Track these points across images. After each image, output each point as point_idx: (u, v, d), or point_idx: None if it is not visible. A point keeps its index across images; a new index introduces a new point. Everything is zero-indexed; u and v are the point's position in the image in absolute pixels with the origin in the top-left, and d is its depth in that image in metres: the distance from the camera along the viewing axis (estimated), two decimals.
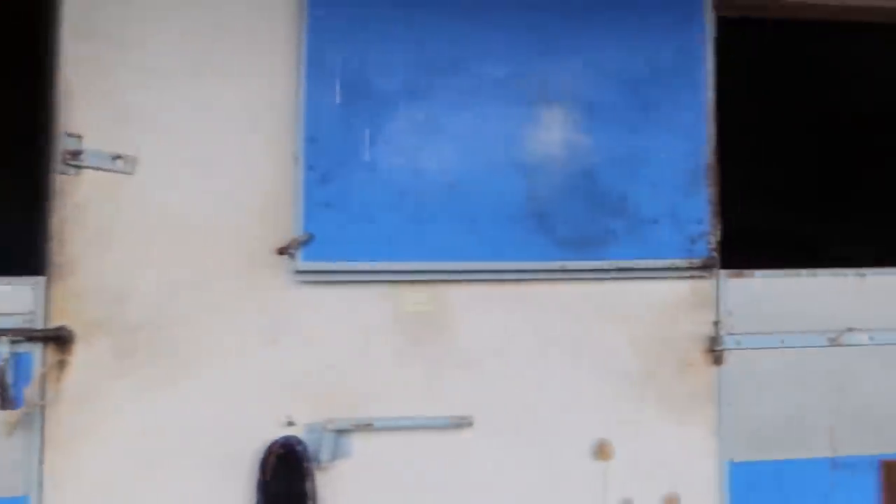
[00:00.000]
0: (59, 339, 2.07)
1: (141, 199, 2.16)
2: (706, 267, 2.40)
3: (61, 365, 2.09)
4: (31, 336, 2.05)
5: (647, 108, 2.39)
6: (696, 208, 2.39)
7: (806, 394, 2.50)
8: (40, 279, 2.09)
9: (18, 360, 2.04)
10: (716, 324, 2.45)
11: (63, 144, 2.10)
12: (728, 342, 2.45)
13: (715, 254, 2.41)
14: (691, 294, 2.43)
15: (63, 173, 2.10)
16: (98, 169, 2.12)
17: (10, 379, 2.01)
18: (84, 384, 2.11)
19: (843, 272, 2.55)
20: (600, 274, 2.37)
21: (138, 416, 2.13)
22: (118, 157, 2.13)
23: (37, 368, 2.06)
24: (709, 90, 2.44)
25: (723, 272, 2.46)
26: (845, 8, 2.62)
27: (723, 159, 2.50)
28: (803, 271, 2.53)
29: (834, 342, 2.51)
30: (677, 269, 2.38)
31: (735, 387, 2.46)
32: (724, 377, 2.45)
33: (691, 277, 2.42)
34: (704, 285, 2.44)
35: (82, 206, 2.12)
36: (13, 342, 2.02)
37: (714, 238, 2.41)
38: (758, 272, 2.50)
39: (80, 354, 2.10)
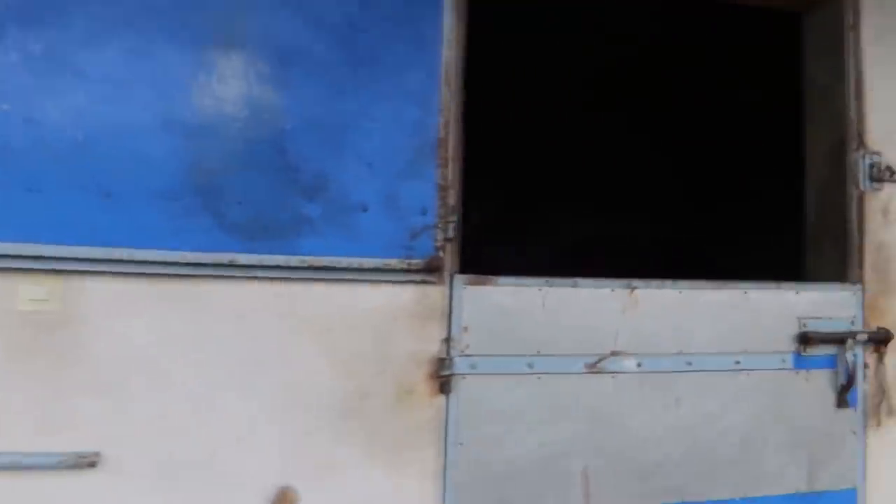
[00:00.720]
0: None
1: None
2: (431, 269, 1.89)
3: None
4: None
5: (362, 63, 1.86)
6: (419, 194, 1.88)
7: (557, 432, 2.03)
8: None
9: None
10: (446, 342, 1.95)
11: None
12: (460, 365, 1.95)
13: (443, 253, 1.91)
14: (414, 303, 1.92)
15: None
16: None
17: None
18: None
19: (608, 283, 2.09)
20: (287, 272, 1.81)
21: None
22: None
23: None
24: (447, 48, 1.94)
25: (459, 277, 1.95)
26: None
27: (470, 134, 2.02)
28: (562, 280, 2.06)
29: (594, 369, 2.06)
30: (391, 270, 1.86)
31: (467, 421, 1.96)
32: (453, 409, 1.95)
33: (413, 282, 1.91)
34: (433, 293, 1.94)
35: None
36: None
37: (443, 233, 1.91)
38: (503, 279, 2.00)
39: None
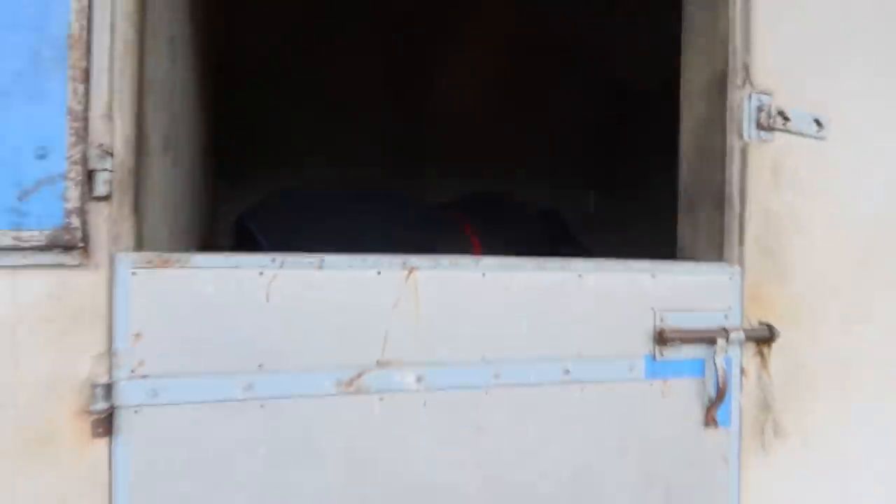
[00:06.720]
0: None
1: None
2: (65, 246, 1.21)
3: None
4: None
5: None
6: (35, 125, 1.17)
7: (295, 485, 1.38)
8: None
9: None
10: (105, 357, 1.28)
11: None
12: (131, 393, 1.27)
13: (82, 219, 1.22)
14: (47, 300, 1.24)
15: None
16: None
17: None
18: None
19: (373, 262, 1.43)
20: None
21: None
22: None
23: None
24: None
25: (123, 257, 1.28)
26: None
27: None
28: (300, 259, 1.40)
29: (351, 388, 1.42)
30: None
31: (147, 478, 1.28)
32: (122, 461, 1.27)
33: (38, 267, 1.22)
34: (79, 282, 1.25)
35: None
36: None
37: (82, 188, 1.22)
38: (200, 257, 1.33)
39: None
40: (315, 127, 3.82)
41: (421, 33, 4.10)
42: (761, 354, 1.79)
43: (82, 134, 1.17)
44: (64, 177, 1.16)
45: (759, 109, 1.80)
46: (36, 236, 1.15)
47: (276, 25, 3.70)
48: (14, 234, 1.14)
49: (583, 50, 4.32)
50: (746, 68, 1.81)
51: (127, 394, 1.26)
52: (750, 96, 1.80)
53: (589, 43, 4.27)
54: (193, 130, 2.18)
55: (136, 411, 1.27)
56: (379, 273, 1.41)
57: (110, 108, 1.22)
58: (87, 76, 1.17)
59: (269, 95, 3.72)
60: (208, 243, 2.64)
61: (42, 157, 1.15)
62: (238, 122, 3.45)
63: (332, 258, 1.38)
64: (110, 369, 1.25)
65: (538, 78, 4.32)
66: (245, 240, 2.52)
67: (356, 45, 3.91)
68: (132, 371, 1.26)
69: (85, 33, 1.17)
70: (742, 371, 1.76)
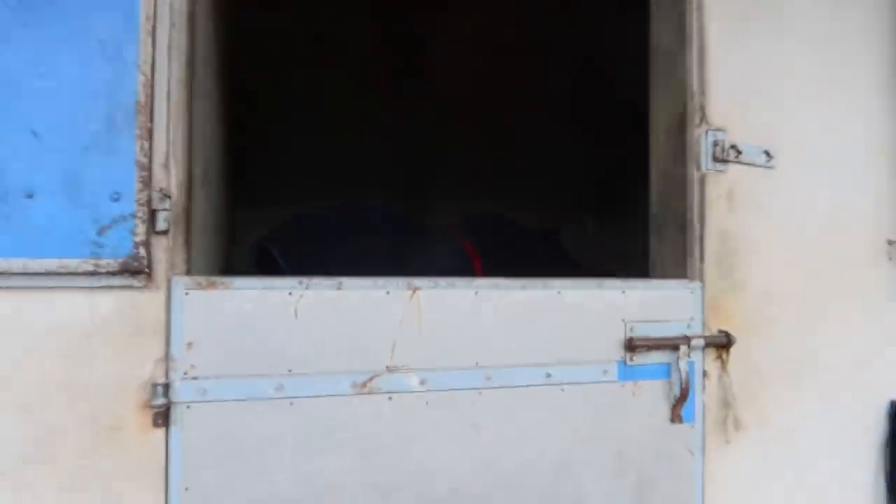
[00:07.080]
0: None
1: None
2: (133, 271, 1.48)
3: None
4: None
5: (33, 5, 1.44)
6: (110, 174, 1.45)
7: (319, 469, 1.65)
8: None
9: None
10: (163, 362, 1.55)
11: None
12: (184, 391, 1.54)
13: (147, 250, 1.49)
14: (118, 315, 1.51)
15: None
16: None
17: None
18: None
19: (383, 283, 1.71)
20: None
21: None
22: None
23: None
24: None
25: (178, 280, 1.55)
26: None
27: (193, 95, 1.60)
28: (322, 281, 1.67)
29: (364, 389, 1.68)
30: (71, 274, 1.43)
31: (197, 461, 1.55)
32: (176, 447, 1.53)
33: (111, 288, 1.49)
34: (143, 301, 1.52)
35: None
36: None
37: (147, 224, 1.49)
38: (241, 280, 1.60)
39: None
40: (320, 153, 4.11)
41: (421, 60, 4.39)
42: (721, 359, 2.05)
43: (147, 181, 1.45)
44: (133, 216, 1.43)
45: (715, 144, 2.08)
46: (111, 264, 1.43)
47: (279, 62, 3.99)
48: (94, 261, 1.42)
49: (582, 78, 4.59)
50: (702, 109, 2.09)
51: (181, 392, 1.52)
52: (706, 133, 2.08)
53: (590, 70, 4.55)
54: (219, 165, 2.46)
55: (188, 406, 1.53)
56: (388, 293, 1.68)
57: (167, 158, 1.51)
58: (150, 134, 1.45)
59: (274, 124, 4.01)
60: (229, 261, 2.91)
61: (116, 199, 1.42)
62: (249, 152, 3.73)
63: (348, 280, 1.65)
64: (167, 372, 1.52)
65: (540, 104, 4.58)
66: (265, 260, 2.80)
67: (360, 72, 4.20)
68: (185, 373, 1.53)
69: (149, 100, 1.45)
70: (704, 373, 2.02)
